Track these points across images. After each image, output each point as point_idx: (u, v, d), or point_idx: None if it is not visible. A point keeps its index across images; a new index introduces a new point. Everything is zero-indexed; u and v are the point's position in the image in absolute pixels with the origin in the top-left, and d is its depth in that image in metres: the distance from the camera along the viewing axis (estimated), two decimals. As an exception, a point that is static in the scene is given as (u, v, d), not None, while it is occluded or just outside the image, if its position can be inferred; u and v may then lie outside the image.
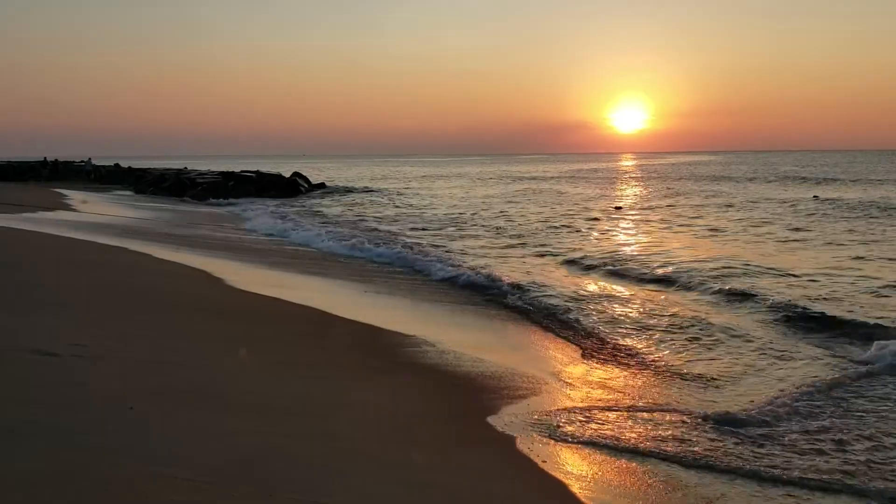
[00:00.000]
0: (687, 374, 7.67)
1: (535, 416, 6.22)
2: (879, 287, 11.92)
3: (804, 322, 9.61)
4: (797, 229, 21.21)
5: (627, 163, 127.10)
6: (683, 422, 6.15)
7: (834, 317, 9.72)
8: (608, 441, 5.71)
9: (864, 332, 8.94)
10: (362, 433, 5.58)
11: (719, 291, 11.68)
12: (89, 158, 59.73)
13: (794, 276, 13.16)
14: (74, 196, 34.43)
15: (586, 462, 5.35)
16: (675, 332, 9.39)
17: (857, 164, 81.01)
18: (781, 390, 6.95)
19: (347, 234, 20.31)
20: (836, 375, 7.38)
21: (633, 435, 5.84)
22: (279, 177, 45.74)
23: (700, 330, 9.45)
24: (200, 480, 4.06)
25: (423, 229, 23.34)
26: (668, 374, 7.64)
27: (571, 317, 10.10)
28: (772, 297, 10.85)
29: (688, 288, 12.30)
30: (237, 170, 49.50)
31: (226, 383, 6.40)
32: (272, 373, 6.96)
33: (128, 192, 42.49)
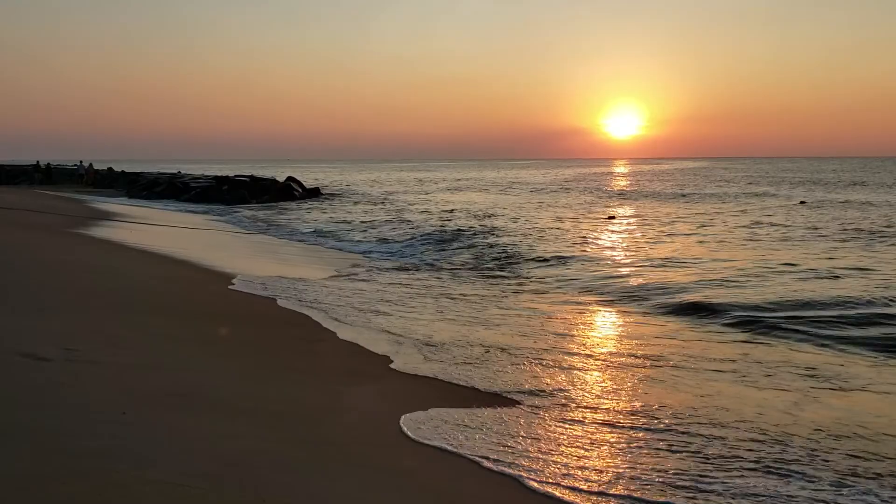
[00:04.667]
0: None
1: (526, 425, 6.23)
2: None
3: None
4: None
5: (620, 169, 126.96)
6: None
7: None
8: (587, 448, 5.73)
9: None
10: (355, 438, 5.60)
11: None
12: (81, 161, 59.57)
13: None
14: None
15: (584, 464, 5.36)
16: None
17: (855, 172, 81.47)
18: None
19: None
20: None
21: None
22: (273, 181, 45.72)
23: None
24: (192, 485, 4.07)
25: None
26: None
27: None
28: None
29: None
30: (230, 174, 49.55)
31: (219, 388, 6.40)
32: (265, 377, 6.96)
33: (124, 197, 42.32)
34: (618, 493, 4.85)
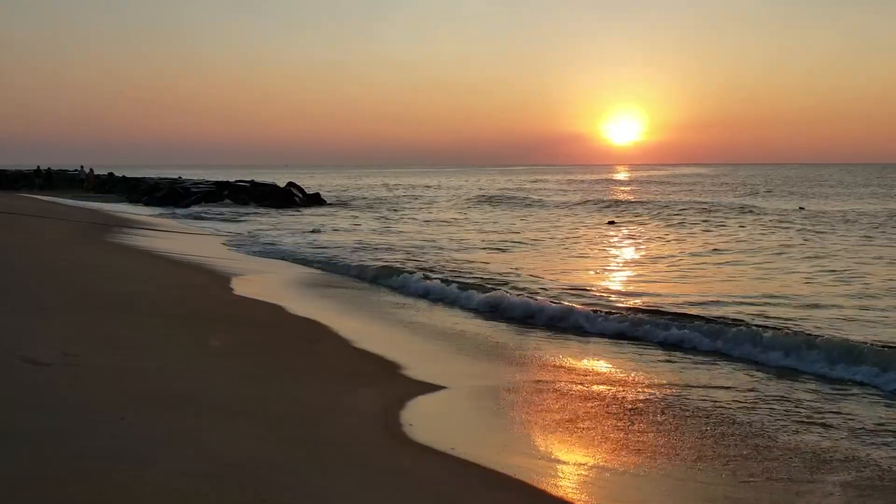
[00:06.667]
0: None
1: (524, 429, 6.22)
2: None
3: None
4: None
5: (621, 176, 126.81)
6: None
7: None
8: (589, 453, 5.72)
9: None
10: (355, 439, 5.58)
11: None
12: (81, 166, 59.73)
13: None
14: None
15: (581, 474, 5.35)
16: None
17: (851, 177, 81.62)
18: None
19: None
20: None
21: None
22: (274, 186, 45.69)
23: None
24: (192, 487, 4.07)
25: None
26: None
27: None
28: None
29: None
30: (231, 179, 49.63)
31: (218, 389, 6.39)
32: (265, 379, 6.95)
33: (126, 203, 42.35)
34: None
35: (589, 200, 44.61)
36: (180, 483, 4.09)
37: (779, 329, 9.36)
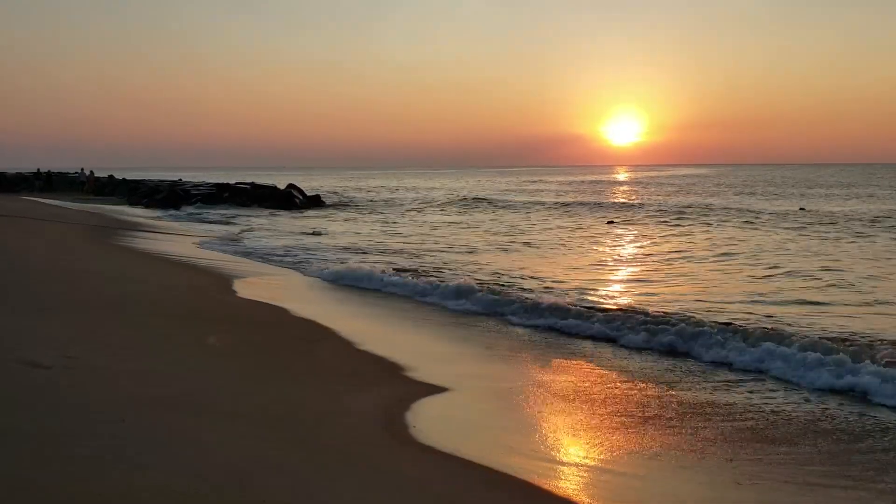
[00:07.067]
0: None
1: (526, 430, 6.21)
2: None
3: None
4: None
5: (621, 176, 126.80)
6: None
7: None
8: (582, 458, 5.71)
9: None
10: (356, 439, 5.57)
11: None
12: (81, 169, 59.76)
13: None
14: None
15: (583, 474, 5.33)
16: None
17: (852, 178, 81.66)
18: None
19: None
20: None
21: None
22: (274, 188, 45.72)
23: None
24: (192, 488, 4.06)
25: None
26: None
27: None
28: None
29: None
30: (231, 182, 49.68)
31: (217, 392, 6.38)
32: (264, 381, 6.93)
33: (126, 206, 42.37)
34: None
35: (588, 201, 44.71)
36: (180, 484, 4.08)
37: (781, 330, 9.34)
